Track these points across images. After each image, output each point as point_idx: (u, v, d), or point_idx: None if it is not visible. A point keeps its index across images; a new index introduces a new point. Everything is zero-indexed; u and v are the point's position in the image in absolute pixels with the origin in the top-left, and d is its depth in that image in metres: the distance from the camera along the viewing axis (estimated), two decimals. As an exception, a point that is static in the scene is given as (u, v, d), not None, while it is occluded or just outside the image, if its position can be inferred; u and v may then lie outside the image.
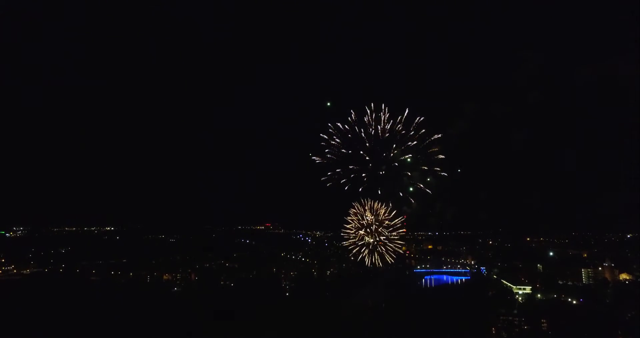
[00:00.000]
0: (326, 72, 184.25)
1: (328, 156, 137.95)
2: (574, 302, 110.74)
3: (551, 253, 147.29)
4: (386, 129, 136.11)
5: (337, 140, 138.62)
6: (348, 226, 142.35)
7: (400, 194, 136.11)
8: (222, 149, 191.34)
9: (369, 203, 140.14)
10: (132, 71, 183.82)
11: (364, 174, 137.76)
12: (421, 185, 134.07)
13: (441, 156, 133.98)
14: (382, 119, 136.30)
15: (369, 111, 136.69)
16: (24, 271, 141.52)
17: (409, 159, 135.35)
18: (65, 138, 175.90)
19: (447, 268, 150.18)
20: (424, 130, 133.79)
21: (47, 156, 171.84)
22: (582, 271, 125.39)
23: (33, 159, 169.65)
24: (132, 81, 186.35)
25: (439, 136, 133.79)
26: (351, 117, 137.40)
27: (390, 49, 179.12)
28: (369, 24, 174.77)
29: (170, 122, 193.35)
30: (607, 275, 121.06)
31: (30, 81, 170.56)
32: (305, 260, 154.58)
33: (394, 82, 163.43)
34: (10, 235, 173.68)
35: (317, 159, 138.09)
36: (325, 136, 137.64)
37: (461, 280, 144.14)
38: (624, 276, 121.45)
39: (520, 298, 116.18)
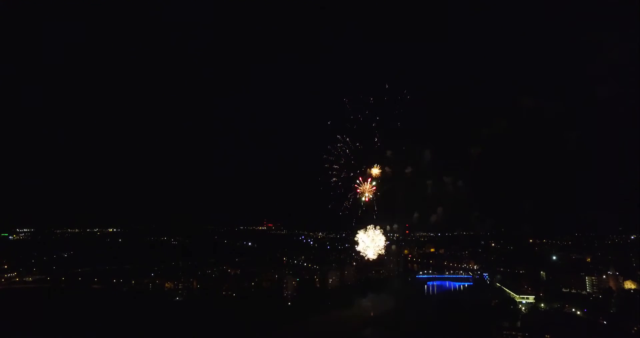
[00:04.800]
0: (331, 74, 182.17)
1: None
2: (578, 312, 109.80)
3: (554, 257, 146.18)
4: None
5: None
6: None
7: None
8: (223, 149, 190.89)
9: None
10: (134, 72, 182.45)
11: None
12: None
13: None
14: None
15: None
16: (27, 279, 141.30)
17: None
18: (67, 139, 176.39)
19: (449, 274, 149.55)
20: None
21: (49, 157, 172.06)
22: (586, 279, 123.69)
23: (35, 161, 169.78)
24: (135, 83, 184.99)
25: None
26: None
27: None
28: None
29: (172, 123, 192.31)
30: (612, 284, 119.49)
31: (31, 82, 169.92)
32: (307, 265, 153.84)
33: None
34: (13, 237, 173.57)
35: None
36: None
37: (463, 286, 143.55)
38: (628, 284, 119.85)
39: (523, 308, 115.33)
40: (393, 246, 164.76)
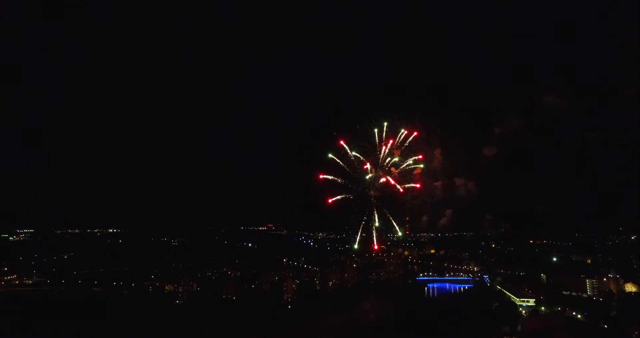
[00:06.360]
0: (332, 72, 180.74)
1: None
2: (579, 316, 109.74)
3: (555, 259, 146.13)
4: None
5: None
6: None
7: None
8: (224, 149, 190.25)
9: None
10: (134, 72, 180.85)
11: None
12: None
13: None
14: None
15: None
16: (26, 281, 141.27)
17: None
18: (67, 139, 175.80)
19: (449, 276, 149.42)
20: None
21: (49, 157, 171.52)
22: (586, 282, 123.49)
23: (35, 161, 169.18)
24: (135, 83, 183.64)
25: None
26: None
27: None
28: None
29: (172, 123, 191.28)
30: (612, 287, 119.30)
31: (31, 83, 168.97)
32: (307, 266, 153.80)
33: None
34: (14, 238, 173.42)
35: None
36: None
37: (464, 288, 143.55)
38: (629, 287, 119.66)
39: (523, 312, 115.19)
40: (393, 247, 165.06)
